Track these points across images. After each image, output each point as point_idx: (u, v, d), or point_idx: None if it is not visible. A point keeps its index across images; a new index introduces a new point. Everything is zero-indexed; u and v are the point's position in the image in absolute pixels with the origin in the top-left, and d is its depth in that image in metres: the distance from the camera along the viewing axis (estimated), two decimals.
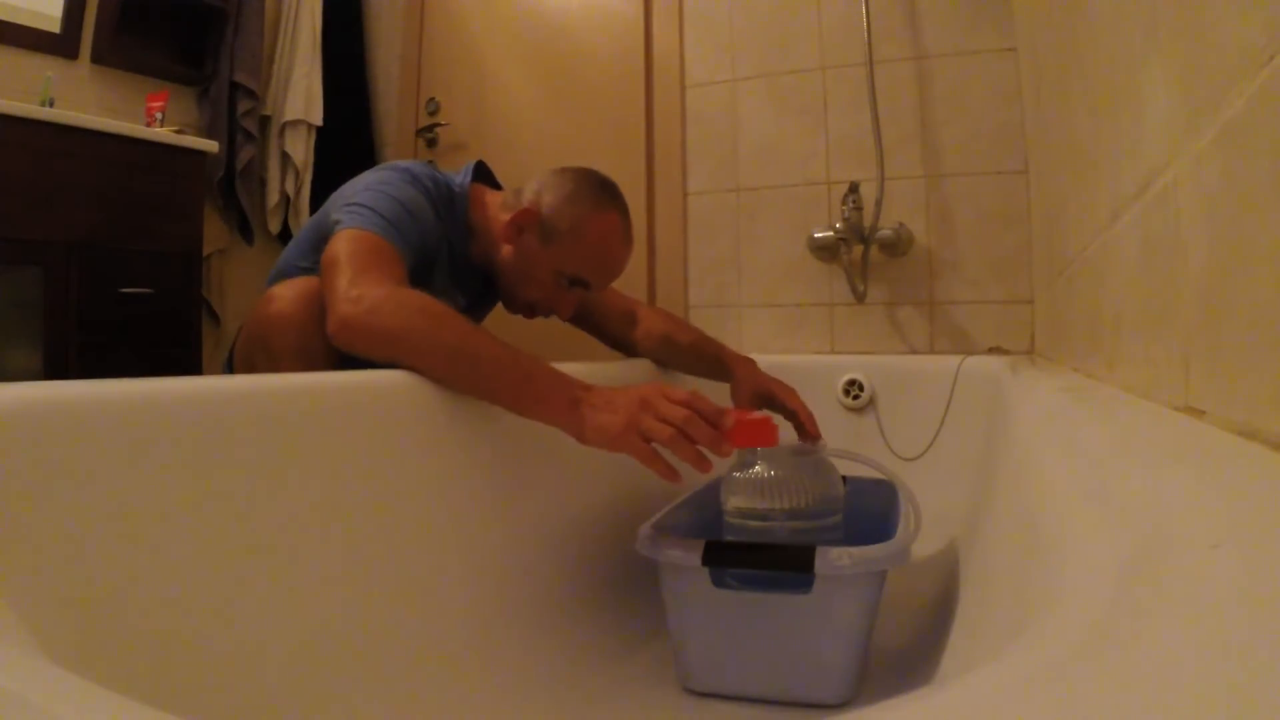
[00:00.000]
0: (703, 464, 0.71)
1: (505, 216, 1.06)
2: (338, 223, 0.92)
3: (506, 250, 1.06)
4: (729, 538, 0.87)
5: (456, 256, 1.09)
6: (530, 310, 1.11)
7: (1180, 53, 0.43)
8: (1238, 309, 0.36)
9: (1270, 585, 0.20)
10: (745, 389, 1.16)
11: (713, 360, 1.25)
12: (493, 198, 1.12)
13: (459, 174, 1.11)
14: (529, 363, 0.79)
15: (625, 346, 1.32)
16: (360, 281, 0.83)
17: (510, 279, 1.08)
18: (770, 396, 1.12)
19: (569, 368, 1.03)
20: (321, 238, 0.98)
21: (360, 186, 0.98)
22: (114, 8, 2.04)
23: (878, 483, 1.07)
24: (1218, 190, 0.38)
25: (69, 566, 0.43)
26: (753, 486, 0.86)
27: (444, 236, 1.05)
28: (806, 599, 0.72)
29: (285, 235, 2.32)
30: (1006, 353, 1.53)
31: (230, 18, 2.19)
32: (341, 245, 0.87)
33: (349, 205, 0.94)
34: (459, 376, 0.79)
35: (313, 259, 1.02)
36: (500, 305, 1.25)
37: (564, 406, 0.77)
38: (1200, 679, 0.18)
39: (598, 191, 1.06)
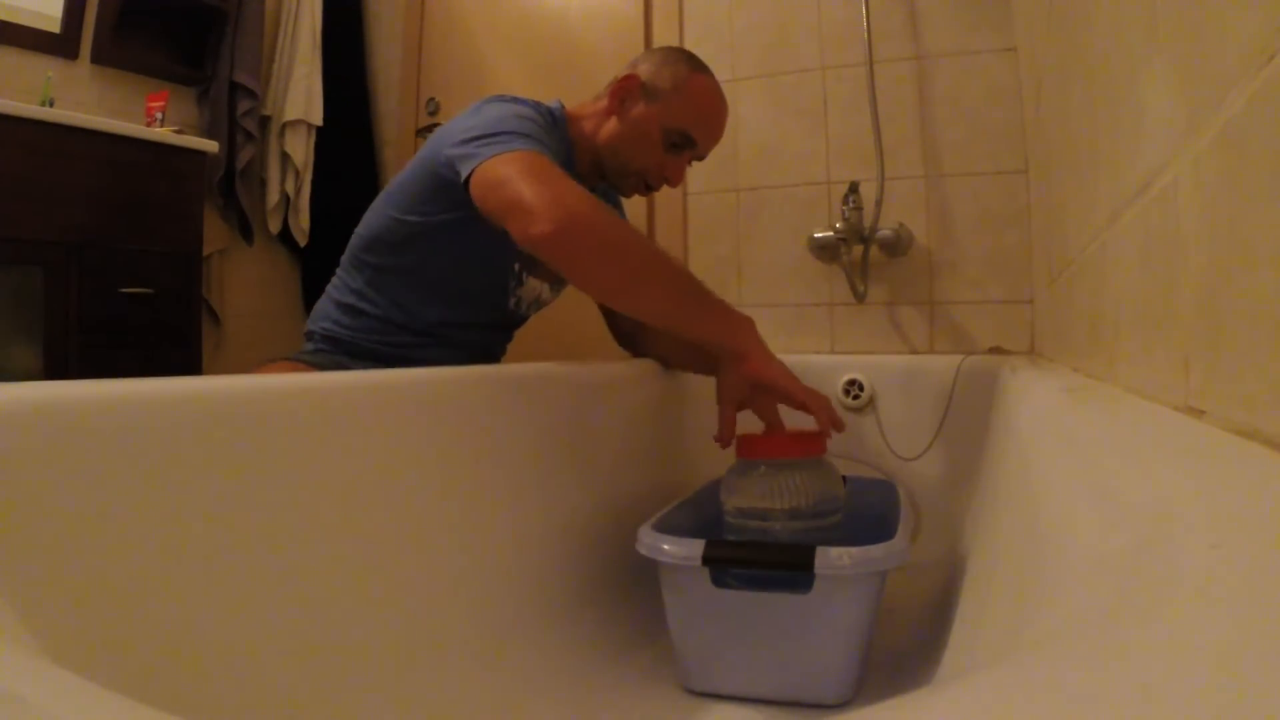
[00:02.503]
0: (834, 428, 0.89)
1: (602, 104, 1.11)
2: (465, 158, 0.90)
3: (611, 125, 1.10)
4: (729, 537, 0.87)
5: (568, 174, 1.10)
6: (643, 184, 1.12)
7: (1180, 53, 0.43)
8: (1238, 309, 0.36)
9: (1270, 585, 0.20)
10: (731, 388, 0.97)
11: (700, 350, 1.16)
12: (582, 106, 1.15)
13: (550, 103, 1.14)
14: (710, 291, 0.91)
15: (630, 340, 1.32)
16: (554, 189, 0.83)
17: (620, 153, 1.09)
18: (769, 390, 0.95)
19: (572, 368, 1.03)
20: (433, 185, 0.99)
21: (478, 121, 0.96)
22: (114, 8, 2.04)
23: (878, 483, 1.07)
24: (1218, 190, 0.38)
25: (69, 566, 0.43)
26: (752, 486, 0.86)
27: (557, 154, 1.06)
28: (806, 599, 0.72)
29: (285, 235, 2.32)
30: (1006, 353, 1.53)
31: (230, 18, 2.19)
32: (504, 167, 0.87)
33: (482, 139, 0.92)
34: (658, 290, 0.86)
35: (421, 210, 1.02)
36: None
37: (743, 329, 0.91)
38: (1200, 679, 0.18)
39: (690, 57, 1.11)
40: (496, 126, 0.93)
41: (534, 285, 1.15)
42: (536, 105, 1.07)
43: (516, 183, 0.84)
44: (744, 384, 0.96)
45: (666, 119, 1.07)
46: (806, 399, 0.89)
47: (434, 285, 1.07)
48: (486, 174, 0.88)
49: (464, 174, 0.91)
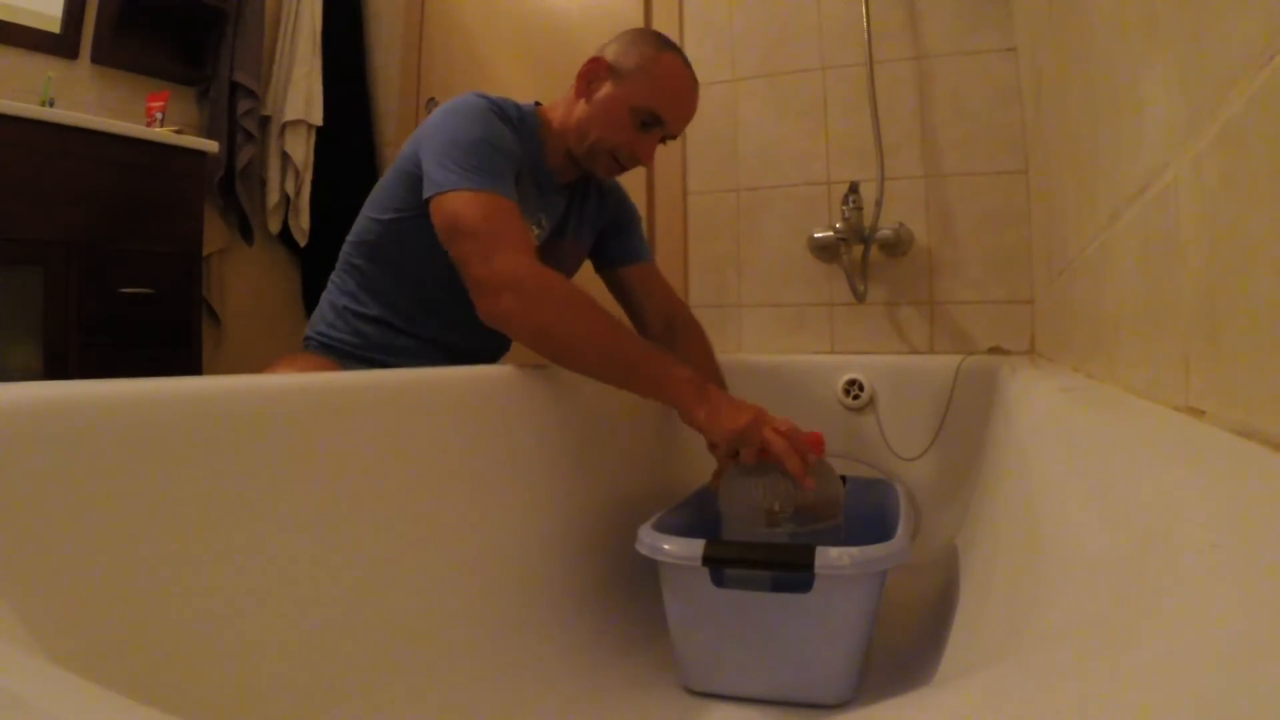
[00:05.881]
0: (806, 481, 0.83)
1: (570, 91, 1.11)
2: (435, 182, 0.94)
3: (580, 109, 1.09)
4: (729, 538, 0.87)
5: (538, 175, 1.11)
6: (615, 163, 1.11)
7: (1180, 53, 0.43)
8: (1238, 309, 0.36)
9: (1270, 585, 0.20)
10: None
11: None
12: (553, 102, 1.15)
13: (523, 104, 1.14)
14: (662, 358, 0.91)
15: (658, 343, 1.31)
16: (501, 262, 0.88)
17: (589, 135, 1.08)
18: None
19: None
20: (407, 185, 1.01)
21: (446, 132, 0.98)
22: (114, 8, 2.04)
23: (878, 483, 1.07)
24: (1218, 190, 0.38)
25: (69, 566, 0.43)
26: (750, 488, 0.86)
27: (524, 156, 1.07)
28: (806, 599, 0.72)
29: (285, 235, 2.32)
30: (1006, 353, 1.53)
31: (230, 18, 2.19)
32: (462, 214, 0.91)
33: (444, 161, 0.94)
34: (605, 368, 0.89)
35: (396, 207, 1.05)
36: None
37: (695, 397, 0.89)
38: (1200, 679, 0.18)
39: (657, 37, 1.11)
40: (453, 150, 0.95)
41: None
42: (502, 104, 1.06)
43: (466, 252, 0.89)
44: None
45: (634, 98, 1.06)
46: (771, 442, 0.84)
47: (421, 284, 1.08)
48: (447, 215, 0.92)
49: (425, 193, 0.94)
